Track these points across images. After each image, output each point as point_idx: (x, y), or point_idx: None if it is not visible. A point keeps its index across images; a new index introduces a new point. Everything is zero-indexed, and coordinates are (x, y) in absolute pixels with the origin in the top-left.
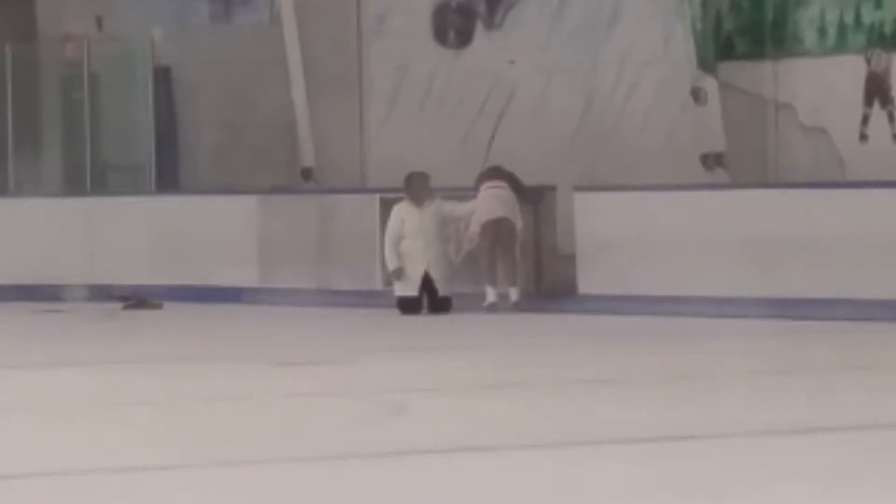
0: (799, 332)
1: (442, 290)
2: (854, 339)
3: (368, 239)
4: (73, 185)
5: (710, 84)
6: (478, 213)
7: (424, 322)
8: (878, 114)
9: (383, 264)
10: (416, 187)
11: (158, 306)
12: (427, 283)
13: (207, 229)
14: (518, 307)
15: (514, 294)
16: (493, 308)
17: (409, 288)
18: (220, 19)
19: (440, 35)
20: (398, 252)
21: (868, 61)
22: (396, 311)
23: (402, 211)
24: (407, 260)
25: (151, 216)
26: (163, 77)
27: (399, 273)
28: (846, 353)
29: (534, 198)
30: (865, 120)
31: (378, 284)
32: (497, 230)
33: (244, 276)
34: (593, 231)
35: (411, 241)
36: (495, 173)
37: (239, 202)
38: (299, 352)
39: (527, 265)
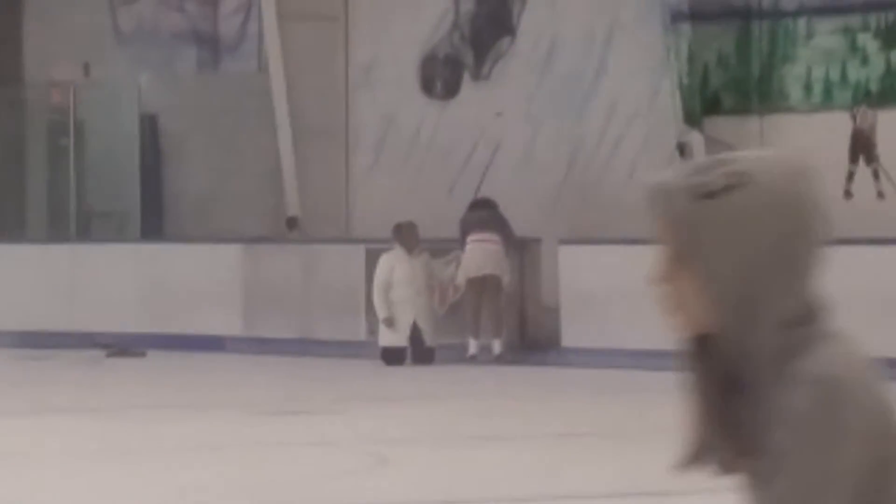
0: None
1: (428, 340)
2: None
3: (353, 289)
4: (58, 231)
5: (695, 138)
6: (465, 266)
7: (408, 373)
8: (863, 171)
9: (368, 314)
10: (407, 236)
11: (141, 354)
12: (414, 333)
13: (192, 277)
14: (501, 359)
15: (497, 346)
16: (475, 360)
17: (397, 337)
18: (208, 67)
19: (427, 86)
20: (388, 300)
21: (853, 118)
22: (380, 362)
23: (392, 259)
24: (396, 308)
25: (136, 263)
26: (149, 124)
27: (390, 321)
28: None
29: (519, 246)
30: (850, 177)
31: (362, 335)
32: (483, 285)
33: (228, 324)
34: (577, 284)
35: (400, 289)
36: (485, 221)
37: (223, 250)
38: (283, 401)
39: (511, 317)
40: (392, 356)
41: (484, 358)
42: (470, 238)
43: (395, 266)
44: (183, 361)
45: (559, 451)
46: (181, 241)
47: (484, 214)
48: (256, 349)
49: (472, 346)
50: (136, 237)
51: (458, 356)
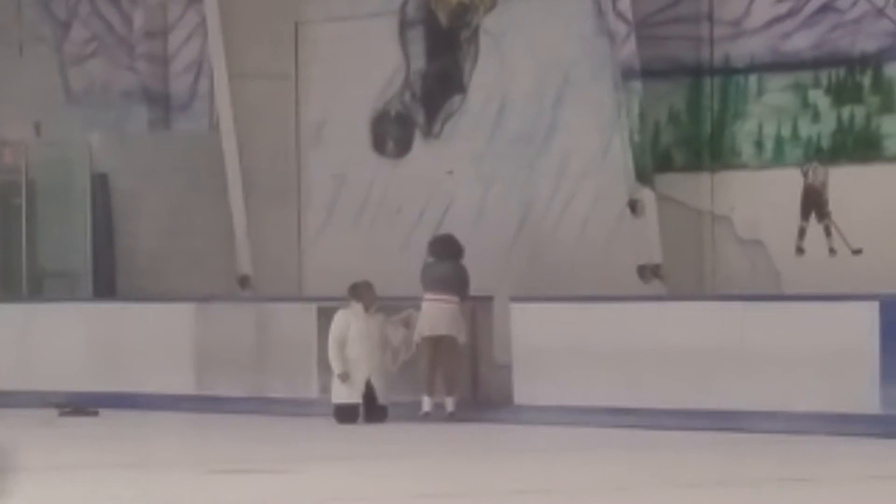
0: (734, 445)
1: (381, 398)
2: (789, 452)
3: (306, 347)
4: (10, 290)
5: (647, 196)
6: (420, 325)
7: (361, 431)
8: (814, 227)
9: (320, 372)
10: (364, 294)
11: (94, 413)
12: (368, 391)
13: (144, 336)
14: (454, 417)
15: (450, 404)
16: (427, 417)
17: (352, 394)
18: (159, 126)
19: (379, 144)
20: (343, 356)
21: (805, 175)
22: (333, 420)
23: (348, 316)
24: (350, 366)
25: (88, 323)
26: (100, 183)
27: (345, 376)
28: (781, 466)
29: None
30: (802, 233)
31: (315, 392)
32: (439, 344)
33: (180, 383)
34: (530, 341)
35: (355, 346)
36: (444, 279)
37: (175, 309)
38: (234, 460)
39: (463, 374)
40: (345, 414)
41: (437, 416)
42: (427, 296)
43: (350, 323)
44: (135, 420)
45: None
46: (133, 301)
47: (444, 271)
48: (209, 408)
49: (426, 404)
50: (89, 296)
51: (411, 414)
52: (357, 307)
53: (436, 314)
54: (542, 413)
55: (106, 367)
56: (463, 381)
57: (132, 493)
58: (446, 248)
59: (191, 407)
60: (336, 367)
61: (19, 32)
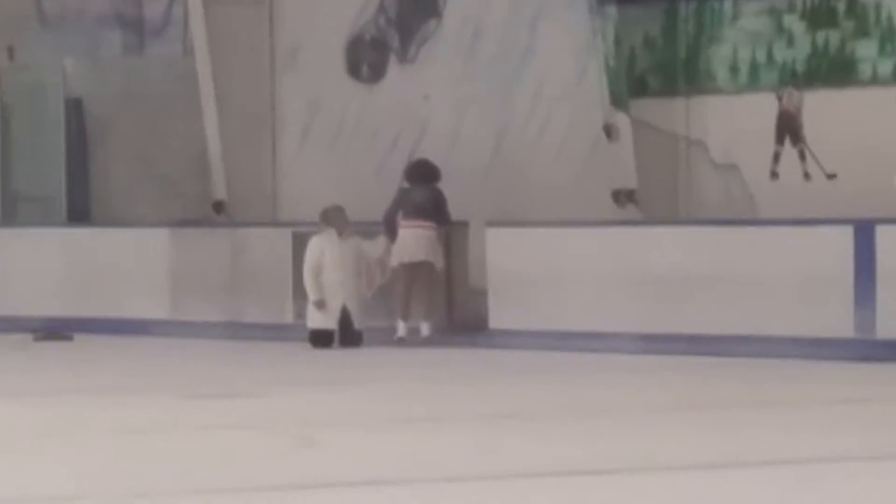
0: (709, 369)
1: (357, 323)
2: (764, 375)
3: (280, 272)
4: None
5: (622, 121)
6: (397, 250)
7: (336, 356)
8: (789, 152)
9: (295, 297)
10: (336, 219)
11: (69, 338)
12: (343, 316)
13: (118, 261)
14: (429, 342)
15: (425, 329)
16: (402, 342)
17: (327, 320)
18: (133, 51)
19: (353, 69)
20: (318, 283)
21: (779, 99)
22: (308, 345)
23: (322, 242)
24: (325, 291)
25: (62, 248)
26: (74, 108)
27: (321, 304)
28: (756, 390)
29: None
30: (776, 158)
31: (289, 318)
32: (416, 271)
33: (155, 308)
34: (505, 266)
35: (330, 273)
36: (421, 205)
37: (150, 234)
38: (209, 384)
39: (438, 300)
40: (320, 339)
41: (412, 341)
42: (403, 222)
43: (325, 249)
44: (110, 345)
45: (487, 433)
46: (107, 226)
47: (420, 196)
48: (183, 333)
49: (401, 329)
50: (63, 221)
51: (386, 339)
52: (330, 232)
53: (413, 240)
54: (517, 338)
55: (80, 291)
56: (438, 306)
57: (106, 417)
58: (423, 173)
59: (165, 332)
60: (312, 294)
61: None
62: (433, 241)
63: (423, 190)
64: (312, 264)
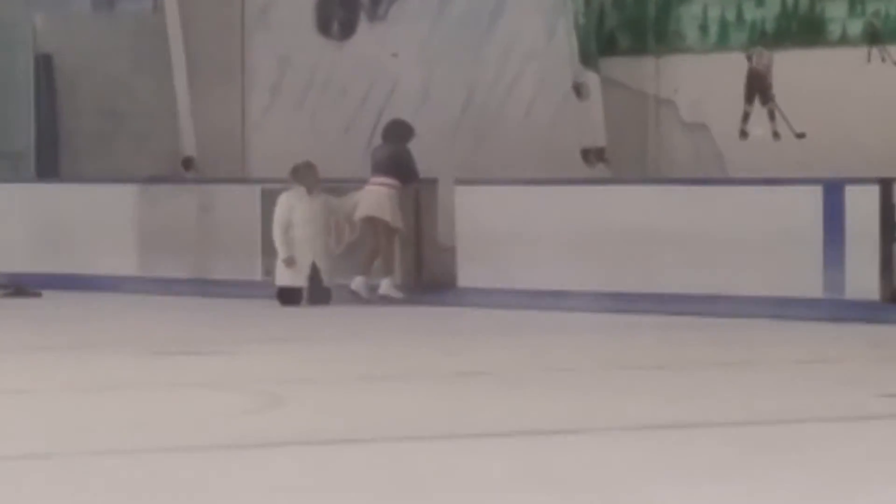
0: (677, 328)
1: (325, 280)
2: (732, 335)
3: (249, 229)
4: None
5: (591, 79)
6: (359, 206)
7: (304, 313)
8: (758, 111)
9: (264, 255)
10: (306, 176)
11: (37, 294)
12: (312, 273)
13: (87, 217)
14: (386, 299)
15: (383, 287)
16: (355, 296)
17: (296, 277)
18: (103, 7)
19: (323, 26)
20: (288, 240)
21: (749, 59)
22: (276, 302)
23: (292, 199)
24: (295, 249)
25: (31, 203)
26: (44, 64)
27: (291, 261)
28: (724, 350)
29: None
30: (746, 117)
31: (258, 275)
32: (373, 226)
33: (123, 264)
34: (474, 224)
35: (300, 229)
36: (381, 163)
37: (119, 191)
38: (177, 342)
39: (407, 257)
40: (288, 296)
41: (367, 296)
42: (370, 179)
43: (294, 205)
44: (78, 301)
45: (456, 391)
46: (76, 181)
47: (383, 154)
48: (152, 289)
49: (355, 282)
50: (31, 177)
51: (355, 296)
52: (300, 189)
53: (369, 197)
54: (486, 296)
55: (49, 248)
56: (406, 264)
57: (74, 374)
58: (390, 132)
59: (134, 288)
60: (281, 251)
61: None
62: (388, 198)
63: (387, 148)
64: (282, 221)
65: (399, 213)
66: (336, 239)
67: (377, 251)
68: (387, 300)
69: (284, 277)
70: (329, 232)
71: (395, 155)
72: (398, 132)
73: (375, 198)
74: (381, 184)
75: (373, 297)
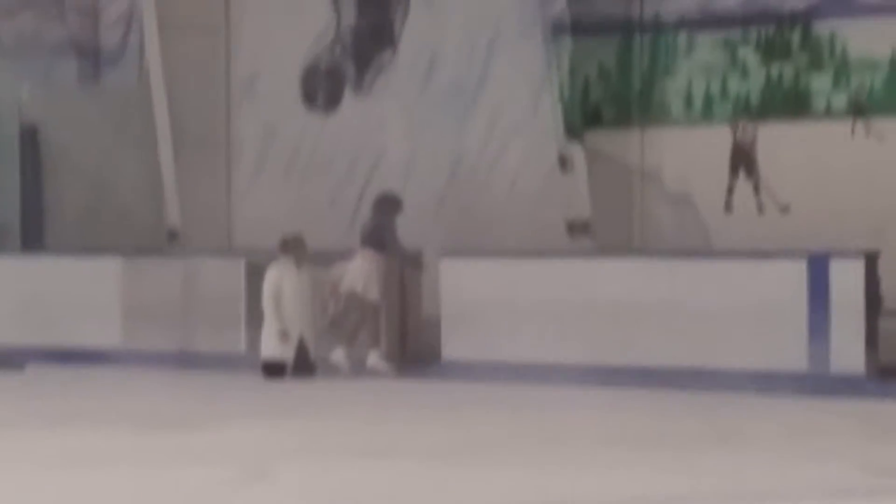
0: (662, 402)
1: (311, 353)
2: (718, 409)
3: (234, 301)
4: None
5: (576, 151)
6: (344, 279)
7: (289, 387)
8: (743, 184)
9: (248, 327)
10: (295, 249)
11: (21, 367)
12: (300, 346)
13: (72, 290)
14: (373, 372)
15: (371, 358)
16: (335, 368)
17: (283, 350)
18: (89, 79)
19: (309, 98)
20: (279, 312)
21: (734, 132)
22: (261, 375)
23: (280, 271)
24: (284, 322)
25: (16, 276)
26: (29, 136)
27: (285, 334)
28: (710, 424)
29: (410, 261)
30: (731, 190)
31: (242, 347)
32: (356, 299)
33: (107, 337)
34: (459, 297)
35: (289, 302)
36: (366, 236)
37: (103, 263)
38: (162, 415)
39: (391, 330)
40: (273, 370)
41: (352, 369)
42: (357, 252)
43: (283, 278)
44: (62, 374)
45: (443, 466)
46: (62, 254)
47: (367, 226)
48: (136, 362)
49: (335, 354)
50: (17, 249)
51: (337, 368)
52: (288, 262)
53: (353, 270)
54: (471, 369)
55: (34, 320)
56: (391, 337)
57: (58, 448)
58: (377, 205)
59: (118, 361)
60: (275, 323)
61: None
62: (366, 272)
63: (372, 221)
64: (272, 294)
65: (377, 285)
66: (321, 311)
67: (361, 324)
68: (374, 373)
69: (270, 349)
70: (316, 304)
71: (378, 228)
72: (383, 205)
73: (358, 271)
74: (363, 257)
75: (357, 370)
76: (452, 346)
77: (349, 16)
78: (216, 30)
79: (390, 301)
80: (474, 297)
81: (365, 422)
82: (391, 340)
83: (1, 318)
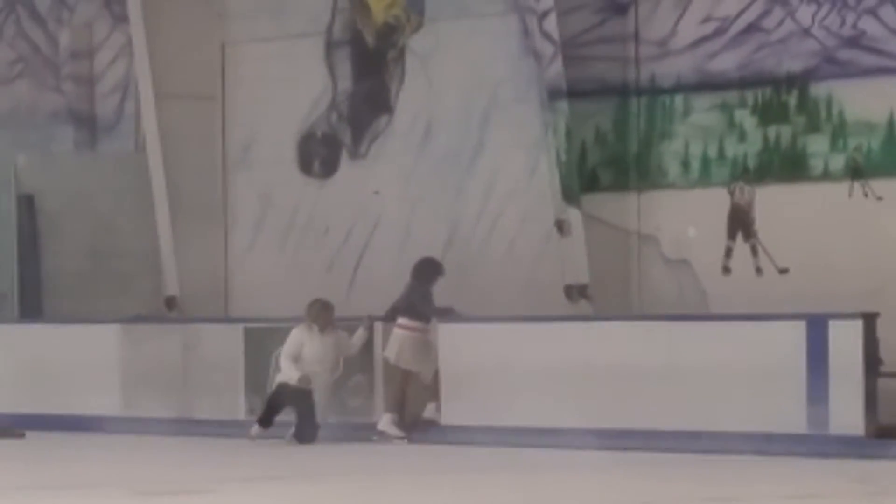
0: (662, 465)
1: (319, 416)
2: (717, 471)
3: (232, 368)
4: None
5: (574, 216)
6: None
7: (289, 451)
8: (741, 247)
9: (247, 393)
10: (321, 315)
11: (20, 435)
12: (308, 409)
13: (70, 358)
14: (383, 436)
15: (383, 422)
16: (382, 436)
17: (303, 381)
18: (85, 147)
19: (305, 165)
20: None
21: (731, 194)
22: (258, 441)
23: (303, 334)
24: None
25: (14, 344)
26: (26, 204)
27: (307, 379)
28: (710, 486)
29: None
30: (728, 253)
31: (241, 414)
32: (393, 369)
33: (107, 404)
34: (456, 361)
35: (308, 366)
36: (401, 301)
37: (102, 331)
38: (161, 482)
39: (390, 395)
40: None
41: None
42: (398, 321)
43: (305, 342)
44: (62, 442)
45: None
46: (59, 322)
47: (403, 294)
48: (135, 429)
49: (382, 422)
50: (14, 318)
51: (342, 435)
52: (312, 326)
53: (391, 339)
54: (469, 433)
55: (32, 388)
56: (389, 402)
57: None
58: (414, 270)
59: (118, 428)
60: (292, 374)
61: None
62: (403, 341)
63: (408, 287)
64: (291, 354)
65: (414, 355)
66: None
67: (399, 392)
68: (384, 437)
69: (287, 376)
70: (333, 371)
71: (410, 293)
72: (418, 271)
73: (393, 340)
74: (399, 326)
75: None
76: (450, 411)
77: (345, 82)
78: (212, 97)
79: (428, 372)
80: (472, 361)
81: (363, 487)
82: (391, 405)
83: (0, 385)
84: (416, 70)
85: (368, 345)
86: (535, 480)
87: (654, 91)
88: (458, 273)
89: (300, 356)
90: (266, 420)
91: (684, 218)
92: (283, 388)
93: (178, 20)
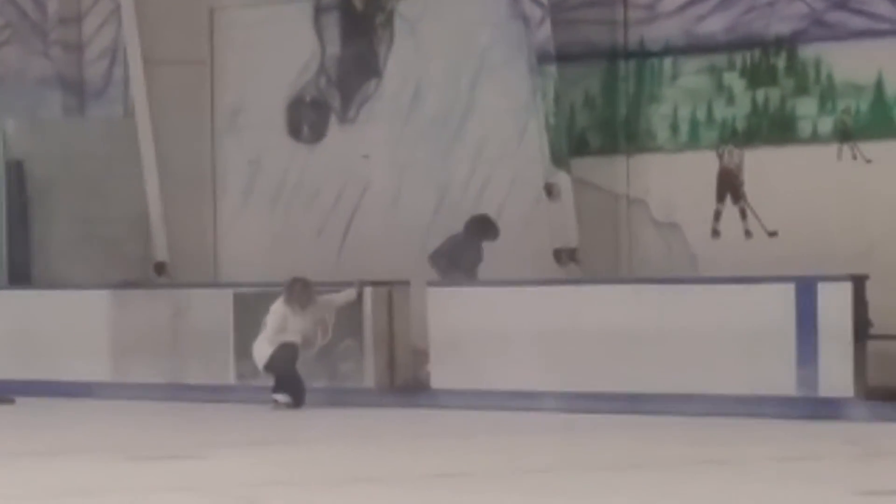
0: (651, 428)
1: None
2: (707, 434)
3: (222, 333)
4: None
5: (563, 179)
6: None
7: (278, 416)
8: (730, 209)
9: (237, 359)
10: (301, 296)
11: (10, 401)
12: (296, 377)
13: (60, 324)
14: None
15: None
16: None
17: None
18: (74, 112)
19: (294, 129)
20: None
21: (720, 157)
22: (249, 406)
23: (286, 310)
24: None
25: (3, 310)
26: (15, 170)
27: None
28: (699, 449)
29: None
30: (717, 216)
31: (231, 379)
32: None
33: (96, 370)
34: (447, 325)
35: (290, 336)
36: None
37: (91, 297)
38: (152, 447)
39: (380, 359)
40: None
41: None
42: None
43: (287, 317)
44: (53, 407)
45: (432, 494)
46: (49, 288)
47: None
48: (125, 394)
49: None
50: (4, 284)
51: (329, 399)
52: (294, 306)
53: None
54: (459, 397)
55: (22, 354)
56: (380, 366)
57: (50, 480)
58: (472, 224)
59: (108, 394)
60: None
61: None
62: None
63: (458, 238)
64: (275, 327)
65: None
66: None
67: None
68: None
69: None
70: (315, 342)
71: (457, 244)
72: (475, 226)
73: None
74: None
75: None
76: (440, 375)
77: (333, 46)
78: (201, 62)
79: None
80: (462, 325)
81: (354, 450)
82: (381, 369)
83: None
84: (404, 34)
85: (358, 308)
86: (524, 444)
87: (643, 54)
88: (448, 236)
89: (284, 329)
90: (298, 392)
91: (673, 181)
92: (291, 349)
93: None
